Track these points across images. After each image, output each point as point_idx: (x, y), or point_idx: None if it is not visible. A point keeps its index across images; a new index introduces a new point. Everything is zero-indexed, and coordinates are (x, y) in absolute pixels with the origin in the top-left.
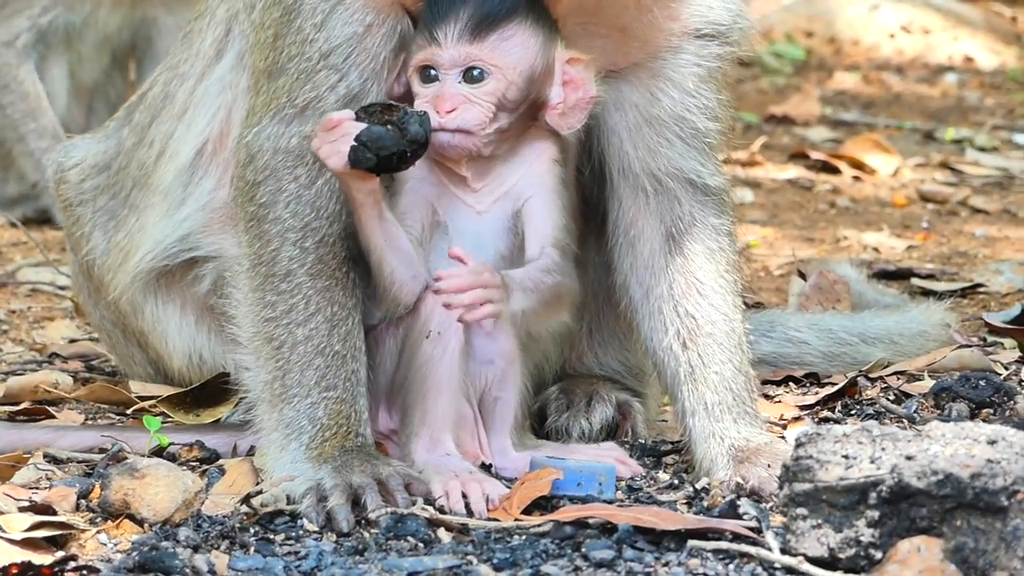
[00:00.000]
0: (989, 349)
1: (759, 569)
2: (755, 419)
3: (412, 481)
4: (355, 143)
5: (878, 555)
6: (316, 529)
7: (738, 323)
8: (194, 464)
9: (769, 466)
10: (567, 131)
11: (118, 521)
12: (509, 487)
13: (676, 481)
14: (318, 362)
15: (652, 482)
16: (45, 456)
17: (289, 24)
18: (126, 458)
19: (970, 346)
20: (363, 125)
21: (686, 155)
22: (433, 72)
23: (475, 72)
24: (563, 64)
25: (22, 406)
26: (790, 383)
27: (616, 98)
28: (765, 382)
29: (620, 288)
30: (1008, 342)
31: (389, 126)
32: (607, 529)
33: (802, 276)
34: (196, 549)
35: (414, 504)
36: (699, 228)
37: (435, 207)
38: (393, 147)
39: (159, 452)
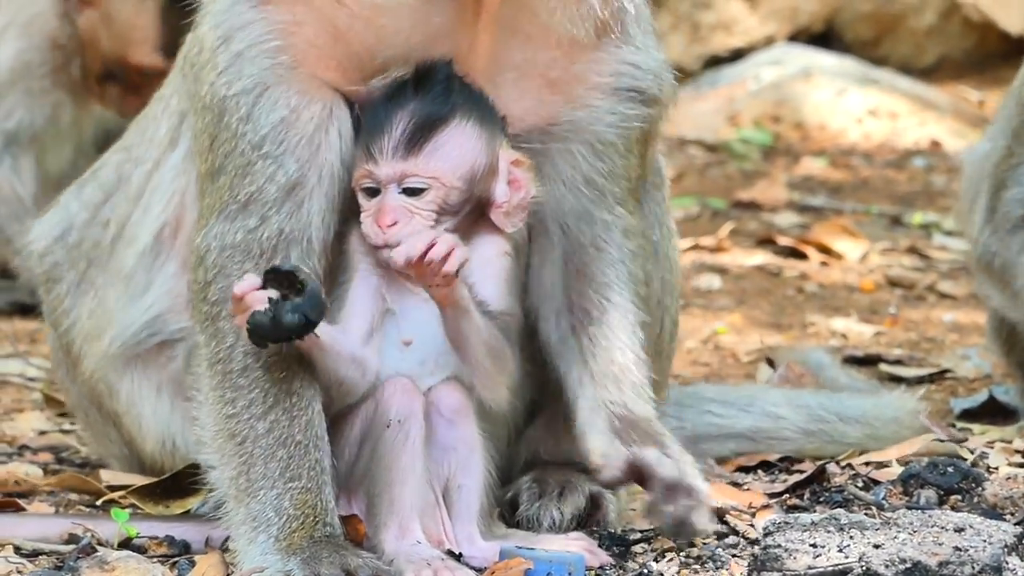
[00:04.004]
0: (960, 435)
1: None
2: (641, 391)
3: (381, 573)
4: (247, 325)
5: None
6: None
7: (632, 315)
8: (164, 557)
9: (666, 452)
10: (510, 229)
11: None
12: None
13: (645, 571)
14: (281, 453)
15: (621, 571)
16: (15, 549)
17: (219, 123)
18: (96, 551)
19: (943, 440)
20: (265, 296)
21: (598, 203)
22: (374, 187)
23: (413, 186)
24: (508, 164)
25: None
26: (759, 471)
27: (542, 153)
28: (735, 469)
29: (543, 342)
30: (977, 427)
31: (274, 307)
32: None
33: (771, 364)
34: None
35: None
36: (604, 254)
37: (384, 295)
38: (272, 336)
39: (127, 543)
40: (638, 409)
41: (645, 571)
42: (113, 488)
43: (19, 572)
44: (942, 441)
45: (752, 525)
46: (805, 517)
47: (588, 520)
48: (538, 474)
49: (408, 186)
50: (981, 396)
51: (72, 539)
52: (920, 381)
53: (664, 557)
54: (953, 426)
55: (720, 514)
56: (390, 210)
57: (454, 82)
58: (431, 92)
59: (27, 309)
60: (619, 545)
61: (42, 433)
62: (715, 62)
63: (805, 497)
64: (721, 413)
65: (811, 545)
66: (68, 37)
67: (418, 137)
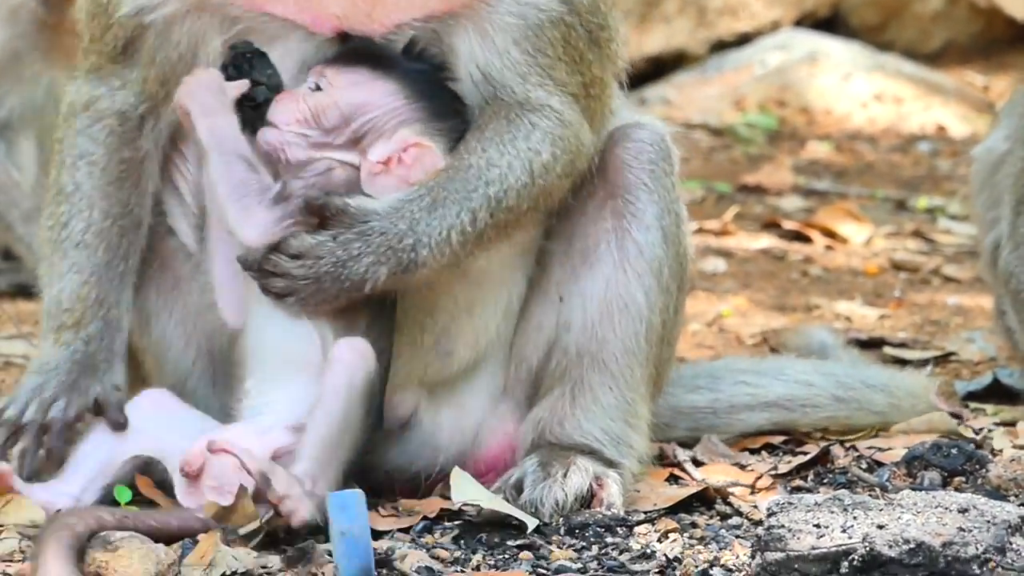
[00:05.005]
0: (971, 415)
1: None
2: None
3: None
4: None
5: None
6: None
7: (483, 165)
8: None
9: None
10: (367, 192)
11: None
12: None
13: (648, 551)
14: (72, 253)
15: (625, 552)
16: (18, 531)
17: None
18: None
19: (958, 416)
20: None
21: (505, 94)
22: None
23: (317, 84)
24: (406, 143)
25: None
26: (763, 452)
27: (450, 44)
28: (740, 450)
29: None
30: (990, 408)
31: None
32: None
33: (773, 352)
34: None
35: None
36: (512, 124)
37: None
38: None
39: None
40: None
41: (648, 551)
42: None
43: (23, 551)
44: (955, 416)
45: (756, 506)
46: (809, 498)
47: (592, 501)
48: (542, 456)
49: (315, 83)
50: (985, 379)
51: None
52: (925, 364)
53: (667, 538)
54: (966, 407)
55: (724, 494)
56: (289, 92)
57: (424, 63)
58: (402, 53)
59: (30, 291)
60: (623, 526)
61: None
62: (721, 46)
63: (809, 478)
64: (754, 382)
65: (815, 525)
66: (56, 21)
67: (355, 59)
